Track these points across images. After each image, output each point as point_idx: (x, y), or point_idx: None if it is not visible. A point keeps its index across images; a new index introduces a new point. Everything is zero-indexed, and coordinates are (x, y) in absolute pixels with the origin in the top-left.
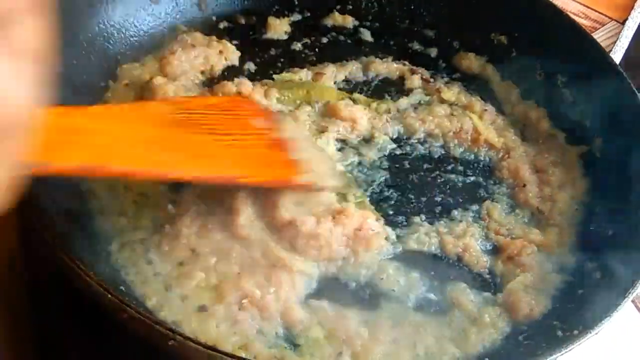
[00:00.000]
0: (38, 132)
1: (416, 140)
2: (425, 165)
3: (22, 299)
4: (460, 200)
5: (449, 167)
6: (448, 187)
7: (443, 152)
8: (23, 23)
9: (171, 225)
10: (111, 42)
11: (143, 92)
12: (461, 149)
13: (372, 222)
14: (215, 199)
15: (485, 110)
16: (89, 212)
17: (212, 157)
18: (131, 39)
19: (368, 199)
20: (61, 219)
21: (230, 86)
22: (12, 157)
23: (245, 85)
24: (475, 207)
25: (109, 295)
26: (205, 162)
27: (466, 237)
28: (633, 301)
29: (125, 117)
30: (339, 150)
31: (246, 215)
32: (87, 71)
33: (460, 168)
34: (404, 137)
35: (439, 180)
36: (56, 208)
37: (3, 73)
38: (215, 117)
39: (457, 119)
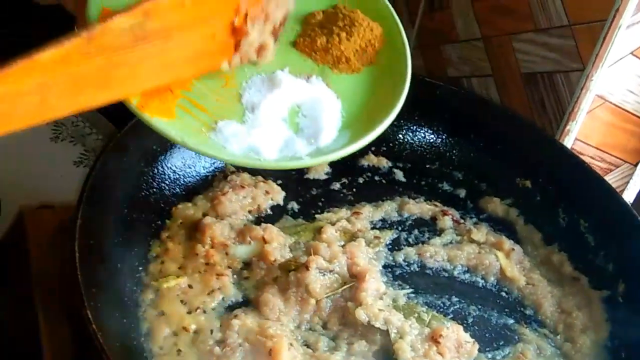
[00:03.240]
0: None
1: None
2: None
3: None
4: (494, 339)
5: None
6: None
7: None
8: None
9: None
10: (167, 183)
11: (193, 230)
12: (489, 284)
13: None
14: (260, 341)
15: (513, 249)
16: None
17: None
18: (185, 179)
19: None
20: (124, 356)
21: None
22: None
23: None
24: (508, 348)
25: None
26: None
27: None
28: None
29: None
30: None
31: None
32: (146, 211)
33: (491, 304)
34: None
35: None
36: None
37: None
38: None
39: (485, 257)
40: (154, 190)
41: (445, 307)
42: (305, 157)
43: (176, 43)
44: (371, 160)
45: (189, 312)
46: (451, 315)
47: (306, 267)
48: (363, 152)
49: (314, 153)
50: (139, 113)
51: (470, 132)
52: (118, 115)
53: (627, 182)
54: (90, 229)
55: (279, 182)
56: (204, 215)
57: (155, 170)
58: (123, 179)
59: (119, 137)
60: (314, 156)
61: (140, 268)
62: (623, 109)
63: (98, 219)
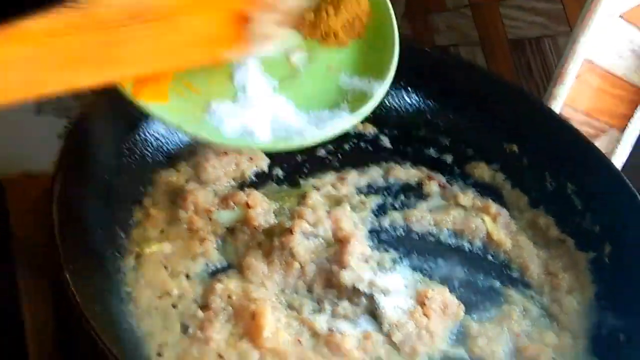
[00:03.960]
0: None
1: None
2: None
3: None
4: (480, 301)
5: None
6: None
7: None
8: None
9: (201, 330)
10: (149, 150)
11: (176, 196)
12: (475, 248)
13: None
14: (243, 305)
15: (499, 214)
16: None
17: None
18: (168, 147)
19: None
20: (107, 323)
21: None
22: None
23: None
24: (494, 309)
25: None
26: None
27: (492, 342)
28: None
29: None
30: None
31: (271, 327)
32: (127, 178)
33: (477, 268)
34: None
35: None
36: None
37: None
38: None
39: (472, 221)
40: (136, 157)
41: (431, 271)
42: (299, 135)
43: (175, 25)
44: (357, 126)
45: (172, 277)
46: (437, 279)
47: (290, 231)
48: None
49: (308, 130)
50: (134, 99)
51: (457, 98)
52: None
53: (615, 148)
54: (69, 194)
55: None
56: (187, 181)
57: (137, 137)
58: (103, 145)
59: (98, 102)
60: (309, 135)
61: (122, 234)
62: (612, 74)
63: (77, 184)
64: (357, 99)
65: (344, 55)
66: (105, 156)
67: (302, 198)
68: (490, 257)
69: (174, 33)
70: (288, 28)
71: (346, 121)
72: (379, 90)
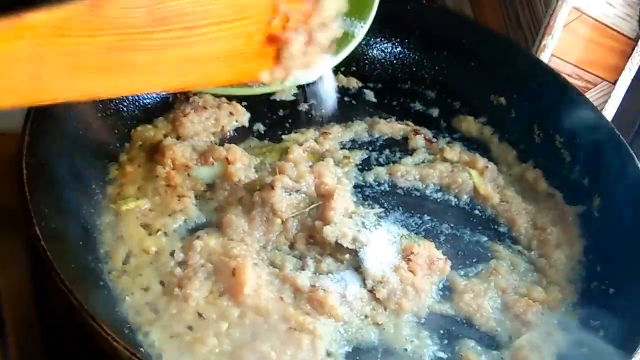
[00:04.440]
0: None
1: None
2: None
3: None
4: (467, 256)
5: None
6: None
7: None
8: None
9: (180, 288)
10: (125, 104)
11: (153, 152)
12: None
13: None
14: (223, 261)
15: (487, 167)
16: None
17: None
18: (144, 101)
19: None
20: (81, 281)
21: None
22: None
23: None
24: (481, 265)
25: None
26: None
27: (479, 298)
28: None
29: None
30: None
31: (252, 284)
32: (103, 133)
33: (464, 222)
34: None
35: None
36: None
37: None
38: None
39: (458, 175)
40: (111, 111)
41: (416, 226)
42: None
43: (203, 35)
44: (340, 80)
45: (150, 235)
46: (423, 234)
47: (271, 186)
48: (332, 72)
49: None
50: None
51: (443, 49)
52: None
53: (606, 101)
54: (40, 149)
55: (244, 103)
56: (165, 137)
57: None
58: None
59: None
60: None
61: (98, 191)
62: (602, 23)
63: (48, 139)
64: (339, 40)
65: None
66: (77, 110)
67: (284, 153)
68: (477, 212)
69: (202, 43)
70: (323, 50)
71: (329, 62)
72: (361, 31)
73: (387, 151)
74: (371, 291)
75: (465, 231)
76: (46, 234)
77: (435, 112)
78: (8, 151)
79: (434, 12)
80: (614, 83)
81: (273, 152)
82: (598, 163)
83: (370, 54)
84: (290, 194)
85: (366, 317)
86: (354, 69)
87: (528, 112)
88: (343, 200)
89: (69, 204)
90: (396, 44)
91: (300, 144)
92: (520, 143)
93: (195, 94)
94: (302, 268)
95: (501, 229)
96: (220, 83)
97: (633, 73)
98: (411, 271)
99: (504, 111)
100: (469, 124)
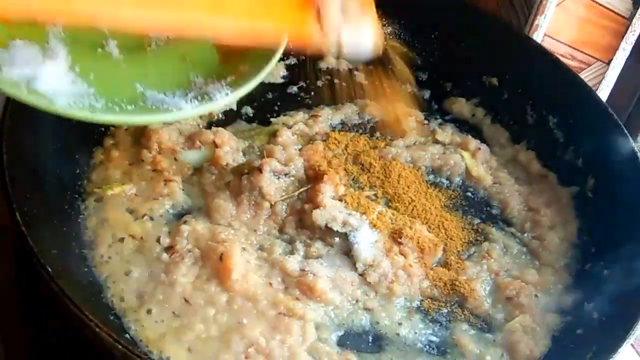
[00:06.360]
0: None
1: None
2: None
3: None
4: (459, 239)
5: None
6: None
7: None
8: None
9: (166, 273)
10: None
11: (139, 136)
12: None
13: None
14: (210, 246)
15: (479, 149)
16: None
17: None
18: None
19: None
20: (64, 267)
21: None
22: None
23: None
24: (474, 247)
25: (120, 346)
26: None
27: (472, 281)
28: (632, 344)
29: None
30: None
31: (240, 269)
32: None
33: (455, 203)
34: None
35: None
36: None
37: None
38: None
39: (450, 157)
40: None
41: (408, 210)
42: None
43: None
44: (331, 62)
45: (135, 220)
46: (414, 217)
47: (260, 169)
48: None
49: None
50: None
51: (434, 30)
52: None
53: (600, 82)
54: (20, 134)
55: None
56: None
57: None
58: None
59: None
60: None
61: (82, 176)
62: (596, 2)
63: (30, 123)
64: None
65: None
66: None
67: (273, 136)
68: (469, 194)
69: None
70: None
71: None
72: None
73: (377, 133)
74: (362, 275)
75: (457, 213)
76: (27, 219)
77: (426, 94)
78: None
79: None
80: (608, 63)
81: (261, 135)
82: (592, 144)
83: None
84: (279, 178)
85: (357, 301)
86: None
87: (521, 93)
88: (333, 184)
89: (52, 189)
90: (386, 25)
91: (290, 127)
92: (513, 124)
93: None
94: (292, 252)
95: (494, 211)
96: (271, 35)
97: (627, 53)
98: (402, 254)
99: (496, 92)
100: (461, 106)
